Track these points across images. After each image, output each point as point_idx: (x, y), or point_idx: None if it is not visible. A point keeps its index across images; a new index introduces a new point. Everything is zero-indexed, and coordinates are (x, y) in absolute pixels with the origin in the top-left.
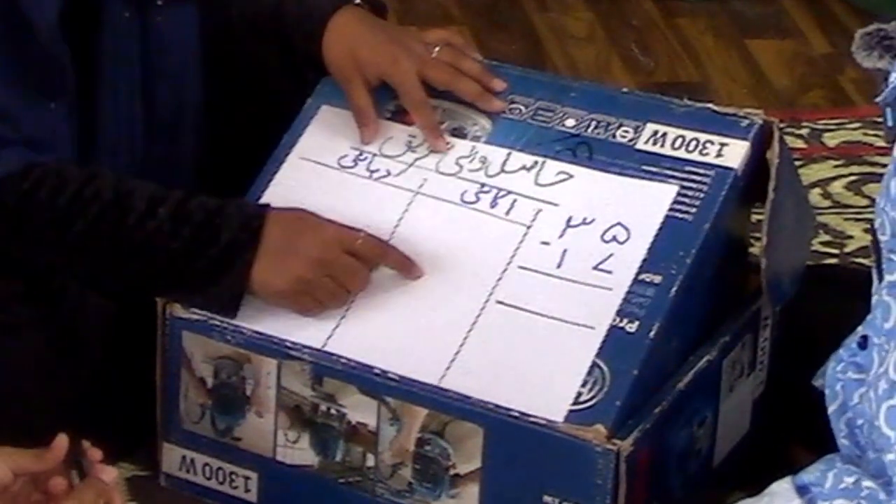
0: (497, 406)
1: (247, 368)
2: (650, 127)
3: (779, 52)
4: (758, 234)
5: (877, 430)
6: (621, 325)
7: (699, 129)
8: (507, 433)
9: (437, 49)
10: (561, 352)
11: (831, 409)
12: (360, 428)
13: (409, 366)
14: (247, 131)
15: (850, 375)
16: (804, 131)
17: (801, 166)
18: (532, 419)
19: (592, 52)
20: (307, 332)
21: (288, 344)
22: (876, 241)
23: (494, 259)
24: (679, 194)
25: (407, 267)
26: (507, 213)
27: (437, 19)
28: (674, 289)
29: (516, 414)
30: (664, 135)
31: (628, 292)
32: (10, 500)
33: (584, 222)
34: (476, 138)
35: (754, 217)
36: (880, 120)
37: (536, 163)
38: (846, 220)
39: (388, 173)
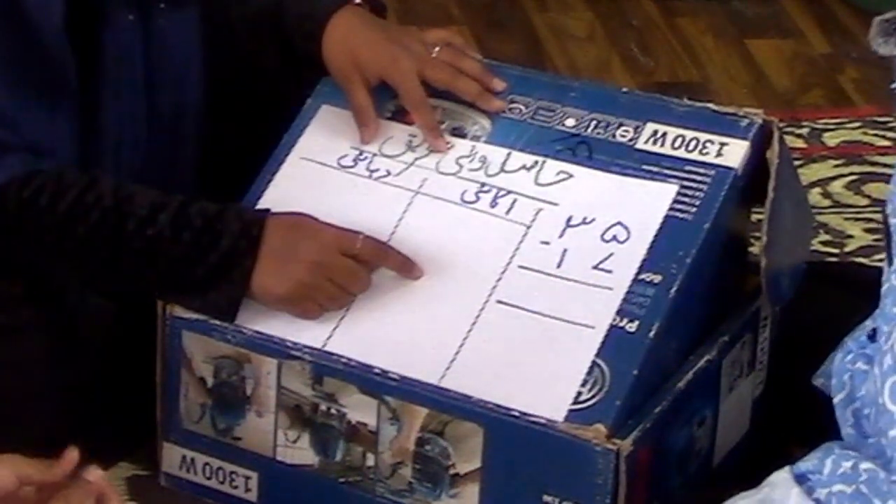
0: (497, 406)
1: (247, 368)
2: (650, 127)
3: (779, 52)
4: (758, 234)
5: (881, 408)
6: (621, 324)
7: (699, 129)
8: (507, 433)
9: (436, 49)
10: (561, 351)
11: (837, 398)
12: (360, 428)
13: (409, 366)
14: (247, 131)
15: (860, 366)
16: (804, 131)
17: (800, 166)
18: (532, 419)
19: (592, 52)
20: (307, 332)
21: (288, 344)
22: (887, 226)
23: (494, 259)
24: (679, 194)
25: (407, 268)
26: (507, 212)
27: (437, 19)
28: (674, 288)
29: (516, 414)
30: (664, 134)
31: (628, 292)
32: None
33: (584, 222)
34: (476, 138)
35: (754, 217)
36: (880, 120)
37: (536, 162)
38: (846, 219)
39: (388, 173)
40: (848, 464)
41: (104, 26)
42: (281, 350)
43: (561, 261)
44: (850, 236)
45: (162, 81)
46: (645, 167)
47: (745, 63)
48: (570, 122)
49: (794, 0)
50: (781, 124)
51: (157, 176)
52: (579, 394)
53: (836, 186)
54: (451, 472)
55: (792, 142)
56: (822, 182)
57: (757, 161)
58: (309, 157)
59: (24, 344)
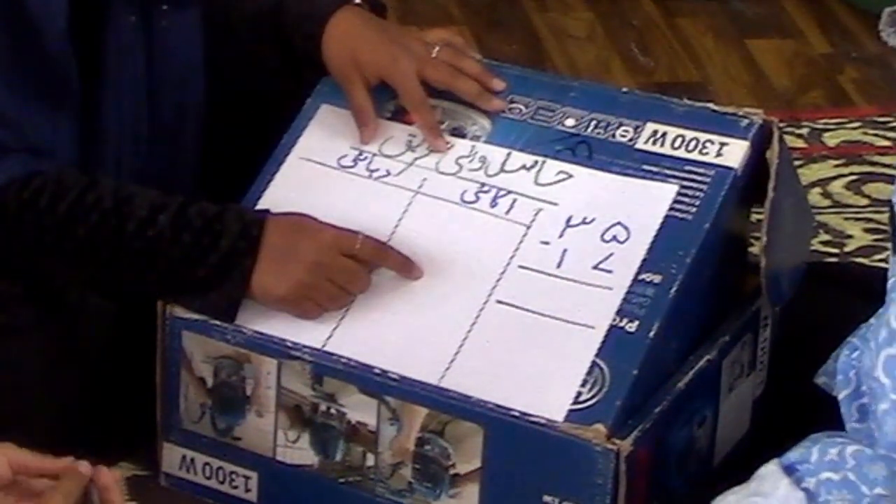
0: (497, 406)
1: (247, 368)
2: (650, 126)
3: (779, 52)
4: (758, 234)
5: (873, 381)
6: (621, 324)
7: (699, 129)
8: (507, 433)
9: (436, 49)
10: (561, 352)
11: (843, 394)
12: (360, 428)
13: (409, 366)
14: (247, 131)
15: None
16: (804, 131)
17: (800, 166)
18: (532, 419)
19: (592, 52)
20: (307, 332)
21: (288, 344)
22: (893, 216)
23: (494, 259)
24: (679, 194)
25: (406, 268)
26: (507, 212)
27: (436, 19)
28: (674, 288)
29: (516, 414)
30: (664, 134)
31: (628, 292)
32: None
33: (583, 222)
34: (476, 138)
35: (754, 217)
36: (880, 120)
37: (536, 162)
38: (846, 219)
39: (388, 173)
40: (834, 450)
41: (106, 27)
42: (281, 350)
43: (561, 261)
44: (850, 236)
45: (163, 83)
46: (645, 167)
47: (745, 63)
48: (569, 122)
49: (794, 0)
50: (781, 124)
51: (158, 176)
52: (579, 394)
53: (836, 186)
54: (451, 472)
55: (792, 142)
56: (822, 182)
57: (757, 161)
58: (309, 157)
59: (24, 344)
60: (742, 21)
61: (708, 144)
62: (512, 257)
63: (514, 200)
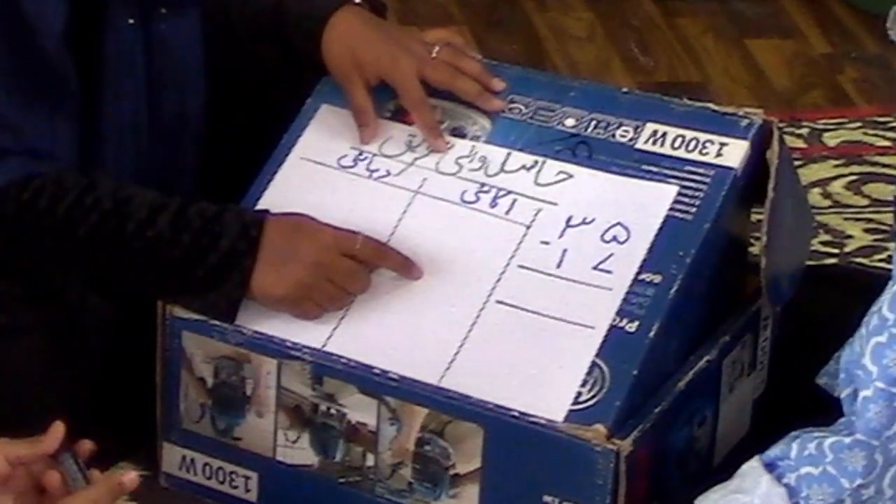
0: (497, 406)
1: (247, 368)
2: (650, 127)
3: (779, 52)
4: (758, 234)
5: (861, 368)
6: (621, 324)
7: (699, 129)
8: (507, 433)
9: (436, 49)
10: (561, 352)
11: (844, 393)
12: (360, 428)
13: (409, 366)
14: (247, 131)
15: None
16: (804, 131)
17: (800, 166)
18: (532, 419)
19: (592, 52)
20: (307, 332)
21: (288, 344)
22: None
23: (494, 259)
24: (679, 194)
25: (407, 268)
26: (507, 212)
27: (436, 19)
28: (674, 289)
29: (516, 414)
30: (664, 134)
31: (628, 292)
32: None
33: (583, 222)
34: (476, 138)
35: (754, 217)
36: (880, 120)
37: (536, 162)
38: (846, 219)
39: (388, 173)
40: (812, 445)
41: (105, 30)
42: (281, 350)
43: (561, 261)
44: (850, 236)
45: (163, 86)
46: (645, 167)
47: (745, 63)
48: (569, 122)
49: (794, 0)
50: (781, 124)
51: (158, 178)
52: (579, 394)
53: (836, 186)
54: (451, 472)
55: (792, 142)
56: (822, 182)
57: (757, 161)
58: (309, 157)
59: (24, 344)
60: (742, 21)
61: (708, 144)
62: (512, 257)
63: (514, 200)
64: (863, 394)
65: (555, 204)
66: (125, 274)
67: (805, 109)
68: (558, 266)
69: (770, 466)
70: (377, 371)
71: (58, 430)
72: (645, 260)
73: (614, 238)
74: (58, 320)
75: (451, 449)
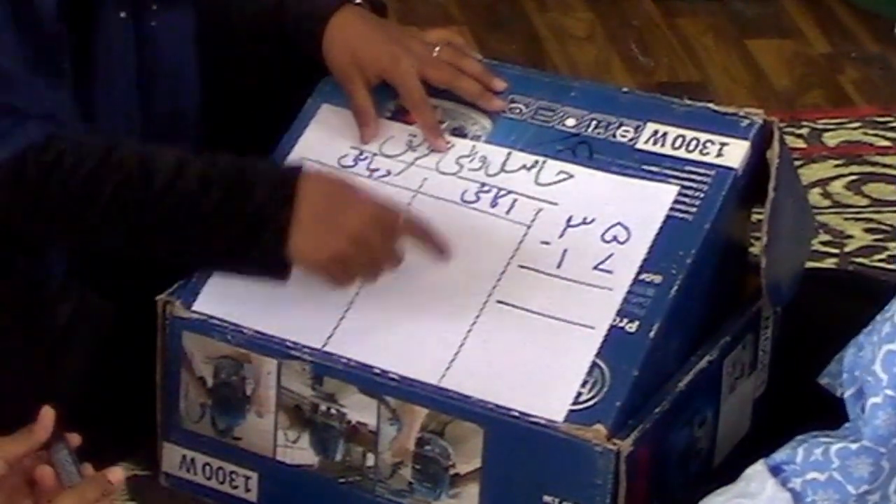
0: (497, 406)
1: (247, 368)
2: (650, 127)
3: (779, 52)
4: (758, 234)
5: (871, 374)
6: (621, 325)
7: (699, 129)
8: (507, 433)
9: (437, 49)
10: (561, 352)
11: (848, 392)
12: (360, 428)
13: (409, 366)
14: (247, 131)
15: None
16: (804, 131)
17: (801, 166)
18: (532, 419)
19: (592, 52)
20: (307, 332)
21: (288, 344)
22: None
23: (495, 258)
24: (679, 194)
25: (443, 249)
26: (508, 212)
27: (437, 19)
28: (674, 289)
29: (516, 414)
30: (664, 134)
31: (628, 292)
32: (7, 497)
33: (584, 222)
34: (476, 138)
35: (754, 217)
36: (880, 120)
37: (537, 162)
38: (846, 220)
39: (389, 173)
40: (819, 450)
41: (96, 23)
42: (281, 350)
43: (561, 261)
44: (850, 236)
45: (155, 82)
46: (645, 167)
47: (745, 63)
48: (570, 121)
49: (794, 0)
50: (781, 124)
51: None
52: (579, 394)
53: (836, 186)
54: (451, 472)
55: (792, 142)
56: (822, 182)
57: (757, 161)
58: (309, 156)
59: (23, 344)
60: (742, 21)
61: (708, 144)
62: (512, 257)
63: (515, 200)
64: (872, 400)
65: (555, 204)
66: (157, 234)
67: (805, 109)
68: (558, 266)
69: (775, 470)
70: (377, 371)
71: (47, 416)
72: (645, 260)
73: (614, 238)
74: (58, 320)
75: (451, 449)
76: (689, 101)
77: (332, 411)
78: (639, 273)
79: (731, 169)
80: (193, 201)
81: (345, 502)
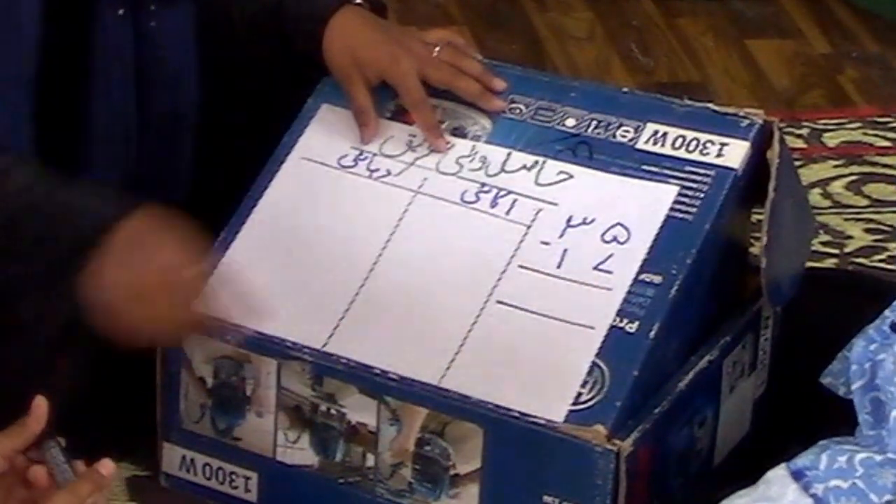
0: (497, 406)
1: (247, 368)
2: (650, 127)
3: (779, 52)
4: (758, 234)
5: (894, 386)
6: (621, 325)
7: (699, 129)
8: (507, 433)
9: (437, 49)
10: (561, 352)
11: (856, 385)
12: (360, 428)
13: (409, 366)
14: (247, 132)
15: (882, 357)
16: (804, 131)
17: (801, 166)
18: (532, 419)
19: (592, 52)
20: (307, 332)
21: (288, 344)
22: None
23: (494, 259)
24: (679, 194)
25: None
26: (508, 212)
27: (437, 20)
28: (674, 289)
29: (516, 414)
30: (664, 135)
31: (628, 292)
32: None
33: (584, 222)
34: (476, 138)
35: (754, 217)
36: (880, 120)
37: (537, 162)
38: (846, 220)
39: (389, 173)
40: (843, 458)
41: (92, 20)
42: (281, 350)
43: (561, 261)
44: (850, 237)
45: (154, 82)
46: (645, 167)
47: (745, 63)
48: (570, 122)
49: (794, 0)
50: (781, 124)
51: (152, 176)
52: (579, 394)
53: (836, 187)
54: (451, 472)
55: (792, 142)
56: (822, 182)
57: (757, 161)
58: (309, 157)
59: (23, 343)
60: (742, 21)
61: (708, 145)
62: (512, 257)
63: (515, 200)
64: (893, 414)
65: (555, 204)
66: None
67: (805, 109)
68: (558, 266)
69: (797, 475)
70: (377, 371)
71: (40, 407)
72: (645, 260)
73: (614, 238)
74: (57, 319)
75: (451, 449)
76: (689, 101)
77: (332, 411)
78: (639, 273)
79: (731, 169)
80: (29, 215)
81: (345, 502)
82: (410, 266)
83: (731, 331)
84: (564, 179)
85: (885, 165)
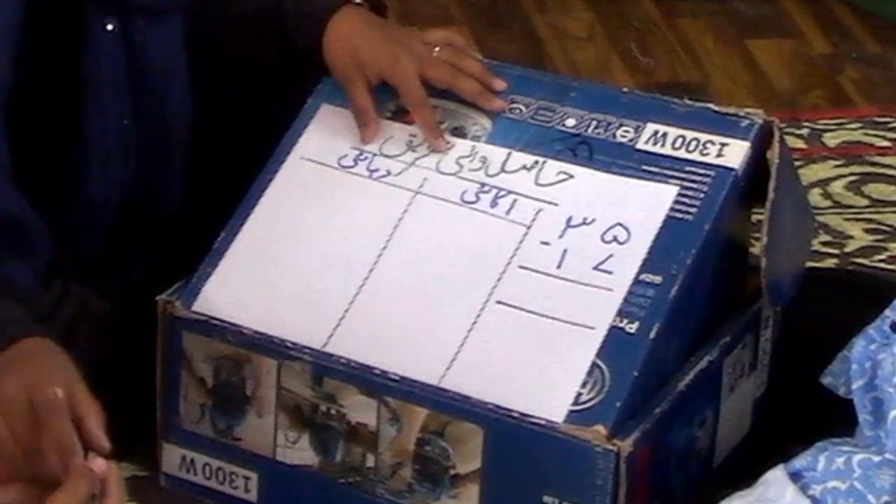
0: (497, 406)
1: (247, 368)
2: (650, 127)
3: (779, 52)
4: (758, 234)
5: (892, 387)
6: (621, 325)
7: (699, 129)
8: (507, 433)
9: (437, 49)
10: (561, 352)
11: (856, 384)
12: (360, 428)
13: (409, 366)
14: (247, 131)
15: (882, 356)
16: (804, 131)
17: (801, 166)
18: (532, 419)
19: (592, 52)
20: (307, 332)
21: (288, 344)
22: None
23: (494, 259)
24: (679, 194)
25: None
26: (508, 212)
27: (437, 20)
28: (674, 289)
29: (516, 414)
30: (664, 135)
31: (628, 292)
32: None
33: (584, 222)
34: (476, 138)
35: (755, 217)
36: (880, 120)
37: (537, 162)
38: (846, 220)
39: (389, 173)
40: (841, 459)
41: (82, 34)
42: (281, 350)
43: (561, 261)
44: (850, 237)
45: (145, 94)
46: (645, 167)
47: (745, 63)
48: (570, 122)
49: (794, 0)
50: (781, 124)
51: (148, 183)
52: (579, 395)
53: (836, 187)
54: (451, 472)
55: (792, 142)
56: (822, 182)
57: (757, 161)
58: (309, 156)
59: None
60: (742, 21)
61: (708, 145)
62: (512, 257)
63: (515, 201)
64: (893, 413)
65: (555, 204)
66: None
67: (805, 109)
68: (558, 266)
69: (795, 476)
70: (377, 371)
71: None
72: (645, 260)
73: (614, 238)
74: (58, 320)
75: (451, 449)
76: (689, 102)
77: (332, 412)
78: (639, 273)
79: (731, 169)
80: None
81: (345, 502)
82: (410, 266)
83: (731, 331)
84: (564, 179)
85: (885, 165)
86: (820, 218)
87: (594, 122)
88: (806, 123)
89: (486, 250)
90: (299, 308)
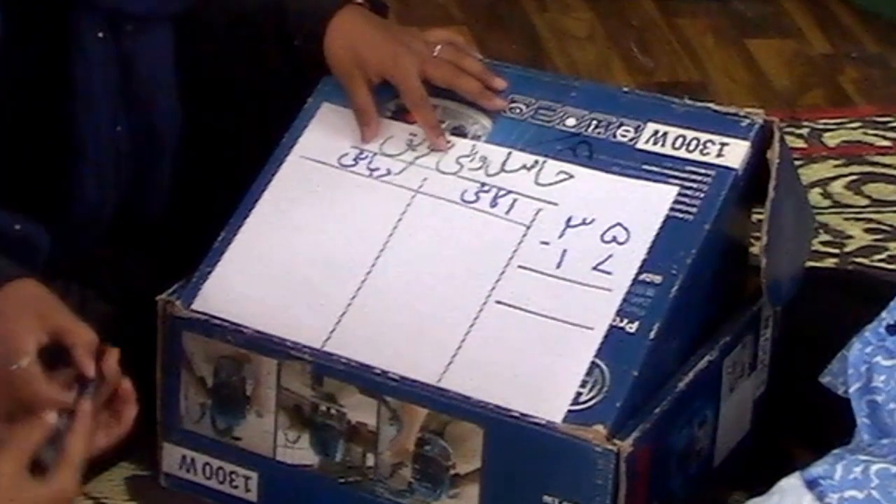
0: (497, 406)
1: (247, 368)
2: (651, 126)
3: (779, 52)
4: (758, 234)
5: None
6: (621, 325)
7: (700, 129)
8: (507, 433)
9: (438, 48)
10: (561, 352)
11: (854, 388)
12: (360, 428)
13: (409, 366)
14: (246, 131)
15: (879, 360)
16: (804, 131)
17: (801, 166)
18: (532, 419)
19: (592, 52)
20: (307, 332)
21: (288, 344)
22: None
23: (494, 259)
24: (679, 194)
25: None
26: (507, 212)
27: (437, 19)
28: (674, 289)
29: (516, 414)
30: (665, 134)
31: (628, 292)
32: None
33: (584, 222)
34: (476, 137)
35: (755, 217)
36: (880, 120)
37: (537, 162)
38: (846, 220)
39: (389, 172)
40: (859, 468)
41: (74, 42)
42: (281, 350)
43: (561, 261)
44: (850, 236)
45: (135, 100)
46: (645, 167)
47: (745, 63)
48: (570, 121)
49: (794, 0)
50: (781, 124)
51: (141, 187)
52: (579, 394)
53: (836, 186)
54: (451, 472)
55: (792, 142)
56: (822, 182)
57: (757, 161)
58: (309, 156)
59: None
60: (742, 21)
61: (709, 145)
62: (512, 257)
63: (515, 200)
64: None
65: (555, 204)
66: None
67: (805, 109)
68: (558, 266)
69: (811, 484)
70: (377, 371)
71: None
72: (645, 260)
73: (614, 238)
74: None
75: (451, 449)
76: (689, 101)
77: (332, 411)
78: (639, 273)
79: (731, 169)
80: None
81: (345, 502)
82: (410, 266)
83: (731, 331)
84: (564, 179)
85: (885, 165)
86: (820, 218)
87: (594, 122)
88: (806, 123)
89: (485, 250)
90: (299, 307)
